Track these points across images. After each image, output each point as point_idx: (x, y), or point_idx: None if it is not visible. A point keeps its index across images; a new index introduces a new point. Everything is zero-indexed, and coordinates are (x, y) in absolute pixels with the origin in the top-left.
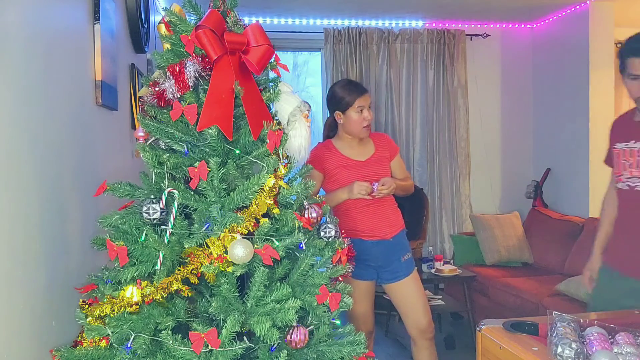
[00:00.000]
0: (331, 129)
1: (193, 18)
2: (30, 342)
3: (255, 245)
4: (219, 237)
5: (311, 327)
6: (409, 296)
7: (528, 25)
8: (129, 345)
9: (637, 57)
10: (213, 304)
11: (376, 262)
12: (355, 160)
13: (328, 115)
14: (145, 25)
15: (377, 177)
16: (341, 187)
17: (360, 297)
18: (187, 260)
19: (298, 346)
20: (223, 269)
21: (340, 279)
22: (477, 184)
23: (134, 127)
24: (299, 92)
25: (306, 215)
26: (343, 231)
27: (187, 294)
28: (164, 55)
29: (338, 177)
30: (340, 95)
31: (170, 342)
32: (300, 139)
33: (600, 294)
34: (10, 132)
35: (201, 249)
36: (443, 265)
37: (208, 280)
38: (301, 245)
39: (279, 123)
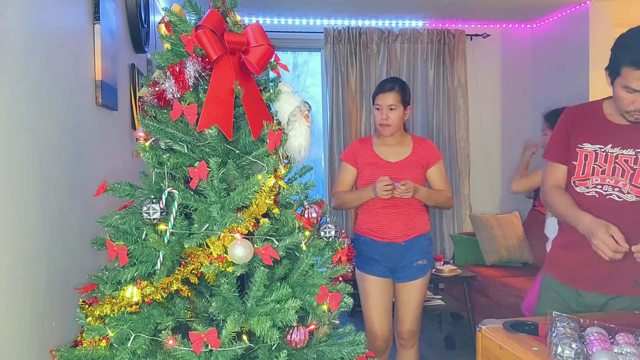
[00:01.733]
0: None
1: (193, 18)
2: (30, 342)
3: (255, 245)
4: (219, 237)
5: (311, 327)
6: (403, 299)
7: (528, 25)
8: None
9: (638, 69)
10: (213, 304)
11: (387, 262)
12: (385, 160)
13: (329, 115)
14: (145, 25)
15: (400, 179)
16: (367, 185)
17: (373, 293)
18: (187, 260)
19: (298, 346)
20: (223, 269)
21: (340, 279)
22: (477, 184)
23: (134, 127)
24: (299, 92)
25: (306, 215)
26: (343, 231)
27: (187, 294)
28: (164, 55)
29: (364, 174)
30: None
31: (171, 342)
32: (300, 139)
33: (545, 308)
34: (10, 132)
35: (201, 249)
36: (443, 265)
37: (208, 280)
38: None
39: (279, 123)
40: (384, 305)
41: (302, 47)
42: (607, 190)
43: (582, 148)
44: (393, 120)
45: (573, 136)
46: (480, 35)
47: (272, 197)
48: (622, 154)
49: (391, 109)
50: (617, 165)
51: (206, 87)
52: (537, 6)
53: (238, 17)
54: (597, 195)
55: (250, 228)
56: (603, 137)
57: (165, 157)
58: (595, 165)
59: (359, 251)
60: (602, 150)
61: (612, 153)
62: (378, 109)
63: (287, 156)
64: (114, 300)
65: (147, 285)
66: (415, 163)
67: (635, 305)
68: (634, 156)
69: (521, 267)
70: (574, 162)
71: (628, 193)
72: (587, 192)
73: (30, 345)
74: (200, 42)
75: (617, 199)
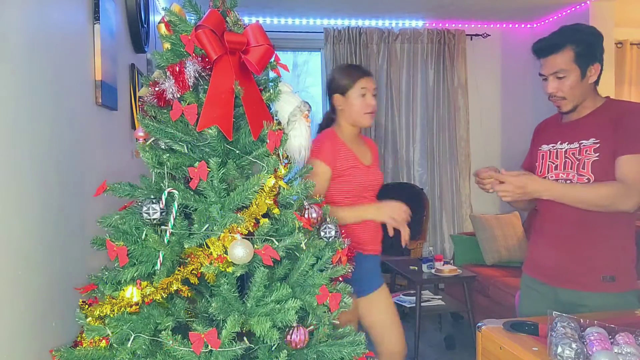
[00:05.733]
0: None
1: (193, 18)
2: (30, 342)
3: (255, 246)
4: (219, 237)
5: (311, 327)
6: (378, 311)
7: (528, 25)
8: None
9: (538, 57)
10: (213, 304)
11: (367, 276)
12: (362, 162)
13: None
14: (145, 25)
15: (378, 186)
16: (362, 204)
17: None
18: (187, 261)
19: (298, 346)
20: (223, 269)
21: (340, 279)
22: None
23: (134, 127)
24: (299, 92)
25: (306, 216)
26: (343, 231)
27: (187, 294)
28: (164, 55)
29: (349, 179)
30: (338, 77)
31: (170, 342)
32: (300, 139)
33: (527, 307)
34: (10, 132)
35: (201, 249)
36: (443, 265)
37: (208, 281)
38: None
39: (279, 123)
40: (355, 324)
41: (302, 47)
42: None
43: (540, 149)
44: None
45: (536, 144)
46: (480, 35)
47: (272, 197)
48: (570, 147)
49: (374, 94)
50: (567, 159)
51: (206, 87)
52: (537, 6)
53: (238, 17)
54: None
55: (251, 228)
56: (555, 136)
57: (165, 157)
58: (549, 162)
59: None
60: (554, 147)
61: (562, 149)
62: (364, 94)
63: (287, 156)
64: (114, 301)
65: (147, 286)
66: (378, 166)
67: (608, 301)
68: (578, 147)
69: (521, 267)
70: (536, 164)
71: (577, 183)
72: None
73: (30, 345)
74: (200, 42)
75: None
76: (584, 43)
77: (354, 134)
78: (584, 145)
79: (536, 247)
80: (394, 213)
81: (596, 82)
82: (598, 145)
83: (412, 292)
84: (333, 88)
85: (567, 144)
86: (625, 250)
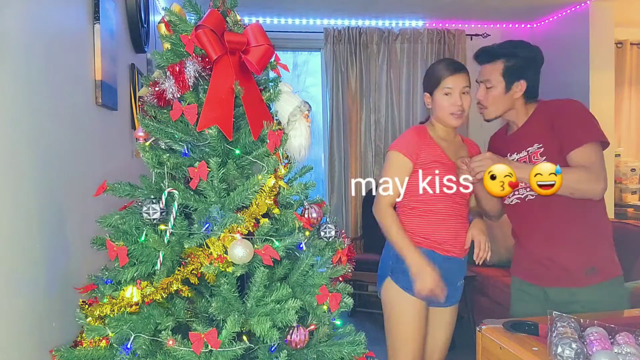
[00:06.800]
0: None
1: (193, 18)
2: (30, 342)
3: (255, 246)
4: (219, 237)
5: (311, 327)
6: (437, 326)
7: (528, 25)
8: (128, 346)
9: (478, 64)
10: (213, 304)
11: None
12: (450, 159)
13: (329, 115)
14: (145, 25)
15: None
16: (413, 245)
17: (418, 318)
18: (187, 261)
19: (298, 346)
20: (223, 269)
21: (340, 279)
22: None
23: (134, 127)
24: (299, 92)
25: (306, 216)
26: (343, 231)
27: (187, 294)
28: (164, 55)
29: (431, 172)
30: (426, 75)
31: (171, 342)
32: (300, 139)
33: (519, 309)
34: (10, 132)
35: (201, 249)
36: None
37: (208, 281)
38: (300, 246)
39: (279, 123)
40: (424, 334)
41: (302, 47)
42: (522, 193)
43: None
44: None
45: None
46: (480, 35)
47: (272, 197)
48: (520, 157)
49: (465, 93)
50: None
51: (206, 87)
52: (537, 6)
53: (238, 17)
54: (520, 201)
55: (251, 228)
56: (504, 149)
57: (165, 157)
58: None
59: (403, 264)
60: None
61: (512, 160)
62: (449, 94)
63: (287, 156)
64: (114, 301)
65: (147, 286)
66: None
67: (596, 292)
68: (527, 155)
69: None
70: None
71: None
72: (511, 202)
73: (30, 345)
74: (200, 42)
75: (532, 197)
76: (517, 59)
77: (447, 132)
78: (531, 152)
79: (519, 250)
80: (423, 281)
81: (529, 95)
82: (542, 149)
83: None
84: (424, 86)
85: (517, 154)
86: (602, 239)
